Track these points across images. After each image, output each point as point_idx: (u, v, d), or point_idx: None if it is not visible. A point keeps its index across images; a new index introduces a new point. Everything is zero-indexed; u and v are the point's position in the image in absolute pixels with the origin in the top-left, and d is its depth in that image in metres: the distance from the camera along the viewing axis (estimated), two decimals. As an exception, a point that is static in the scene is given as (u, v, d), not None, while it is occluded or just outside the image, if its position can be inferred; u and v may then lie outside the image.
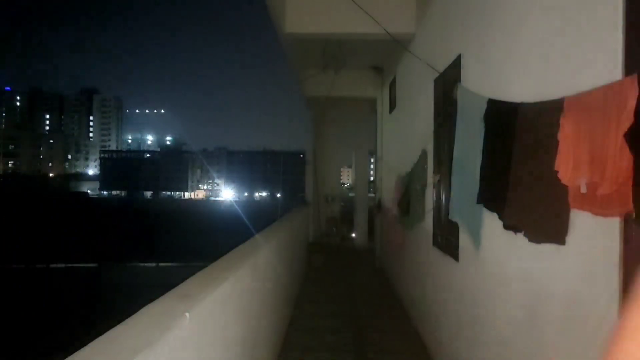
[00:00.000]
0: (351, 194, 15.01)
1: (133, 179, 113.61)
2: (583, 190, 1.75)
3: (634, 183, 1.50)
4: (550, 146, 1.96)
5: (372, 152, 10.82)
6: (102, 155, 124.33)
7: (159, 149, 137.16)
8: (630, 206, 1.52)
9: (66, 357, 1.24)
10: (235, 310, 2.50)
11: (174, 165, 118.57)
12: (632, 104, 1.49)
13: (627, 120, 1.50)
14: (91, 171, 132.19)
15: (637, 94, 1.47)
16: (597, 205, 1.69)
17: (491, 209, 2.69)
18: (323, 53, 7.02)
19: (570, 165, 1.82)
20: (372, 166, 12.67)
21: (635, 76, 1.49)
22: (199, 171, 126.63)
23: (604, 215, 1.68)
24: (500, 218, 2.52)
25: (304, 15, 5.74)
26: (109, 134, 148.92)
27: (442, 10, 4.45)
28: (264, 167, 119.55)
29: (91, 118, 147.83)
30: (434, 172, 4.51)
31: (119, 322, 1.52)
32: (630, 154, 1.50)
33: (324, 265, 8.99)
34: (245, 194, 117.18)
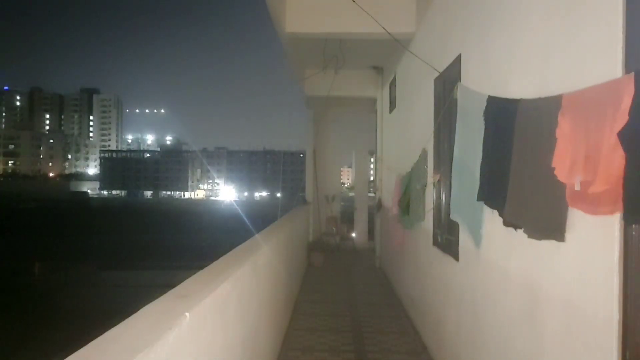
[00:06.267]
0: (351, 194, 15.01)
1: (133, 178, 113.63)
2: (577, 188, 1.75)
3: (624, 182, 1.50)
4: (549, 143, 1.95)
5: (372, 152, 10.81)
6: (102, 155, 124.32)
7: (159, 149, 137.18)
8: (620, 205, 1.51)
9: (66, 357, 1.24)
10: (235, 310, 2.50)
11: (174, 165, 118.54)
12: (627, 102, 1.48)
13: (621, 119, 1.49)
14: (91, 171, 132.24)
15: (633, 92, 1.46)
16: (589, 203, 1.69)
17: (491, 206, 2.69)
18: (323, 53, 7.01)
19: (567, 163, 1.81)
20: (372, 166, 12.67)
21: (632, 74, 1.48)
22: (199, 171, 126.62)
23: (595, 213, 1.69)
24: (500, 215, 2.52)
25: (304, 15, 5.74)
26: (109, 134, 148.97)
27: (442, 10, 4.44)
28: (264, 167, 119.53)
29: (91, 118, 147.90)
30: (434, 172, 4.51)
31: (119, 322, 1.52)
32: (623, 152, 1.49)
33: (324, 264, 8.99)
34: (245, 193, 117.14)
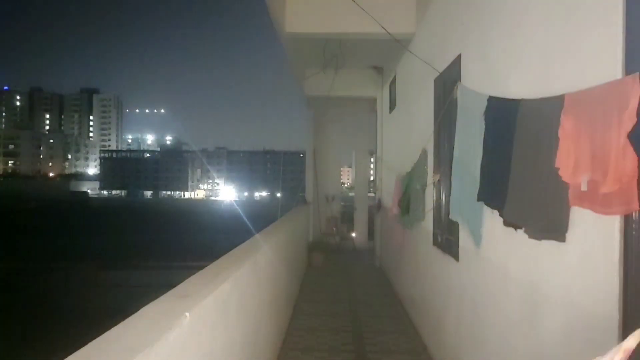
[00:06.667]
0: (351, 194, 15.01)
1: (133, 178, 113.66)
2: (584, 188, 1.75)
3: (639, 182, 1.50)
4: (550, 143, 1.95)
5: (372, 152, 10.81)
6: (102, 155, 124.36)
7: (159, 149, 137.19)
8: (636, 205, 1.51)
9: (66, 357, 1.24)
10: (235, 310, 2.50)
11: (174, 165, 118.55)
12: (634, 103, 1.48)
13: (629, 120, 1.50)
14: (91, 171, 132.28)
15: (639, 92, 1.46)
16: (599, 203, 1.69)
17: (491, 206, 2.69)
18: (323, 53, 7.01)
19: (570, 163, 1.81)
20: (372, 166, 12.66)
21: (637, 75, 1.48)
22: (199, 171, 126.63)
23: (605, 213, 1.68)
24: (500, 215, 2.52)
25: (304, 15, 5.74)
26: (109, 134, 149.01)
27: (442, 10, 4.44)
28: (264, 167, 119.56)
29: (91, 118, 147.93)
30: (434, 172, 4.51)
31: (119, 322, 1.52)
32: (634, 154, 1.49)
33: (324, 264, 8.99)
34: (245, 193, 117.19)
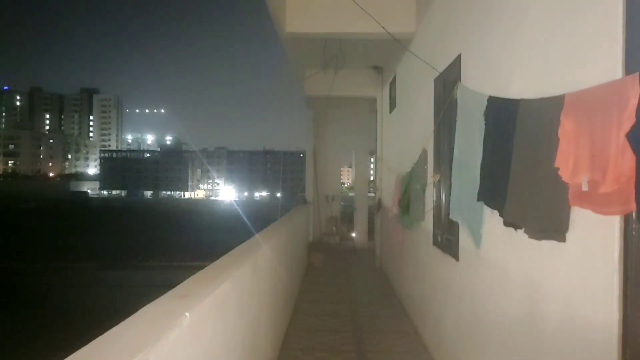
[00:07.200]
0: (351, 194, 15.01)
1: (133, 178, 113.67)
2: (585, 188, 1.74)
3: (636, 182, 1.50)
4: (550, 143, 1.95)
5: (372, 152, 10.81)
6: (102, 155, 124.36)
7: (159, 149, 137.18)
8: (633, 205, 1.51)
9: (66, 357, 1.24)
10: (235, 310, 2.50)
11: (174, 165, 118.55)
12: (634, 103, 1.48)
13: (628, 120, 1.50)
14: (91, 171, 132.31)
15: (638, 92, 1.47)
16: (598, 203, 1.69)
17: (491, 206, 2.69)
18: (323, 53, 7.02)
19: (570, 163, 1.81)
20: (372, 166, 12.67)
21: (637, 75, 1.49)
22: (199, 171, 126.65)
23: (605, 213, 1.68)
24: (500, 215, 2.52)
25: (304, 15, 5.74)
26: (109, 134, 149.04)
27: (442, 9, 4.44)
28: (264, 167, 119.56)
29: (91, 118, 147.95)
30: (434, 172, 4.51)
31: (119, 322, 1.52)
32: (632, 153, 1.50)
33: (324, 264, 8.99)
34: (245, 193, 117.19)
